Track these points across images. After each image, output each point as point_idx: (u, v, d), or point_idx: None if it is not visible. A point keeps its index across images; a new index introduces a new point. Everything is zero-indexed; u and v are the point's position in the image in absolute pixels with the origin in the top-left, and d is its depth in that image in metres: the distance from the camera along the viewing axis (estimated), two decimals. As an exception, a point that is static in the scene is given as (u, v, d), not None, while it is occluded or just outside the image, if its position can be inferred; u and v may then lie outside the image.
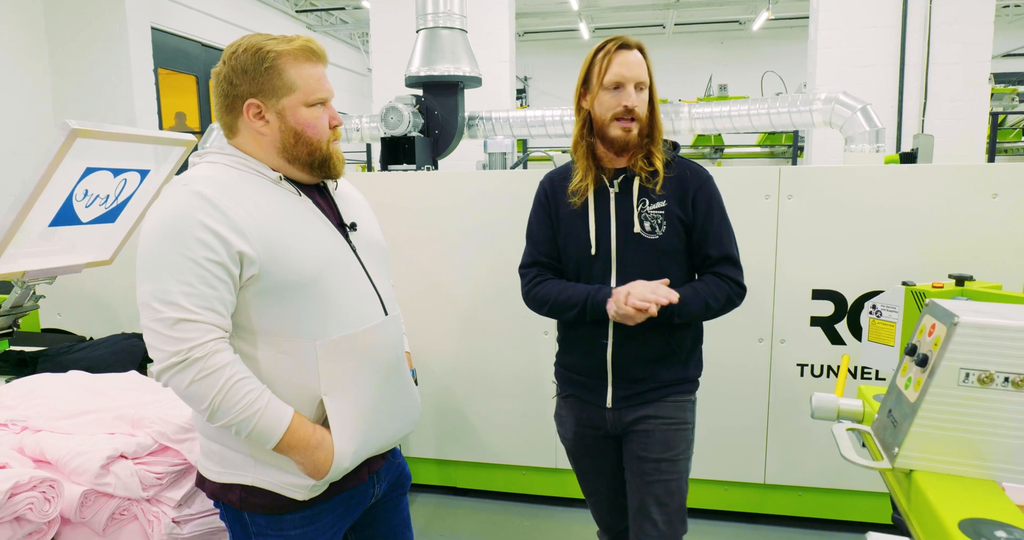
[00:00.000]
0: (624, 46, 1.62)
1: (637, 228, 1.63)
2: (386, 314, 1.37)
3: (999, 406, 0.68)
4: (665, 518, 1.68)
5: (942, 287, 1.79)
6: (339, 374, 1.25)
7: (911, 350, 0.76)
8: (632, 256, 1.63)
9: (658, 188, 1.62)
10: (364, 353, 1.29)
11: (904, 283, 1.85)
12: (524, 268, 1.80)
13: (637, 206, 1.63)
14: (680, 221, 1.63)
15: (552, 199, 1.74)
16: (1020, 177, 2.36)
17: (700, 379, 1.78)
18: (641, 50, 1.64)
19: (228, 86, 1.26)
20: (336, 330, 1.25)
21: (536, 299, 1.73)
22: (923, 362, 0.72)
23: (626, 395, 1.68)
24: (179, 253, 1.13)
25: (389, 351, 1.36)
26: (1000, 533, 0.57)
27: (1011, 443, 0.68)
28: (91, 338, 2.57)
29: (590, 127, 1.68)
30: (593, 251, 1.65)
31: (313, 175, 1.31)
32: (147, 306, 1.13)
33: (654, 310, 1.48)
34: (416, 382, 1.59)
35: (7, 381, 1.92)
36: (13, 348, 2.31)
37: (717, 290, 1.63)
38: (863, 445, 0.88)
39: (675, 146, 1.75)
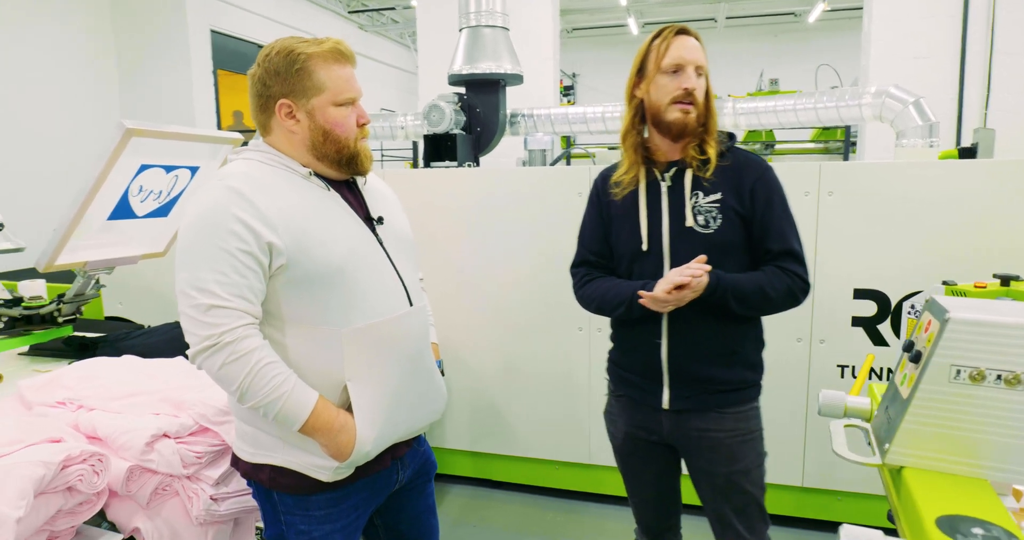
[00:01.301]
0: (682, 31, 1.59)
1: (690, 221, 1.56)
2: (411, 305, 1.42)
3: (991, 404, 0.67)
4: (747, 524, 1.64)
5: (985, 287, 1.73)
6: (363, 361, 1.30)
7: (908, 346, 0.75)
8: (685, 251, 1.55)
9: (708, 174, 1.57)
10: (388, 342, 1.34)
11: (944, 282, 1.80)
12: (574, 267, 1.77)
13: (690, 199, 1.57)
14: (736, 214, 1.57)
15: (603, 196, 1.71)
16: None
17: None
18: (697, 39, 1.61)
19: (262, 87, 1.33)
20: (361, 319, 1.30)
21: (585, 298, 1.71)
22: (916, 358, 0.72)
23: (684, 396, 1.60)
24: (213, 244, 1.20)
25: (413, 341, 1.41)
26: (977, 530, 0.57)
27: (1003, 442, 0.67)
28: (148, 326, 2.73)
29: (642, 117, 1.64)
30: (644, 247, 1.60)
31: (341, 171, 1.37)
32: (183, 293, 1.21)
33: (691, 284, 1.44)
34: (443, 373, 1.63)
35: (69, 363, 2.06)
36: (77, 333, 2.47)
37: (776, 280, 1.55)
38: (869, 443, 0.88)
39: (731, 137, 1.68)
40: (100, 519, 1.56)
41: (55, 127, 6.16)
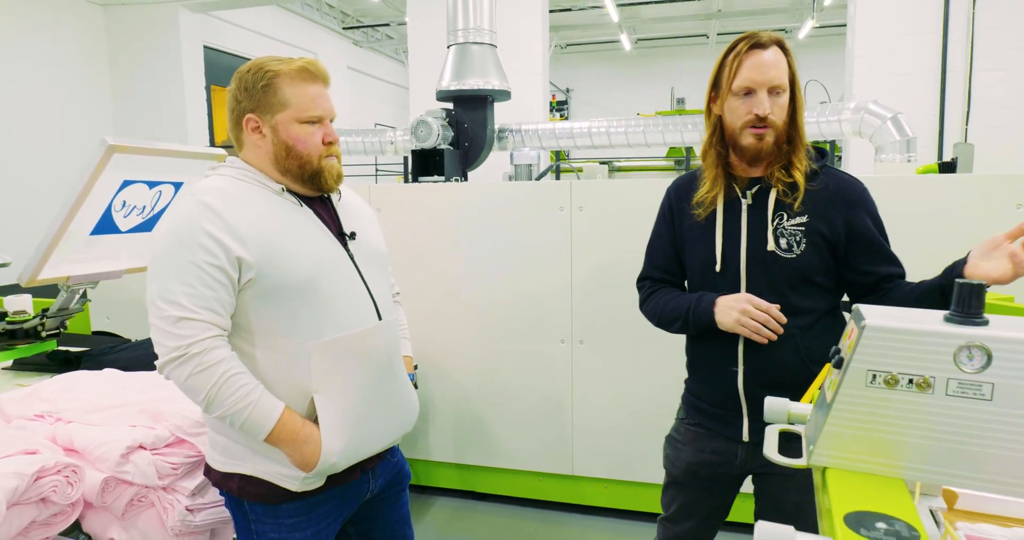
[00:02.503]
0: (757, 45, 1.43)
1: (771, 245, 1.45)
2: (380, 318, 1.44)
3: (904, 407, 0.70)
4: None
5: (949, 298, 1.76)
6: (330, 374, 1.33)
7: (834, 353, 0.78)
8: (763, 276, 1.46)
9: (797, 205, 1.45)
10: (356, 355, 1.37)
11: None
12: (638, 281, 1.72)
13: (772, 220, 1.46)
14: (824, 239, 1.45)
15: (677, 209, 1.61)
16: (1044, 187, 2.29)
17: None
18: (782, 46, 1.45)
19: (234, 103, 1.38)
20: (329, 332, 1.33)
21: (647, 312, 1.66)
22: (839, 364, 0.75)
23: (764, 427, 1.51)
24: (183, 257, 1.24)
25: (382, 354, 1.43)
26: (880, 525, 0.60)
27: (916, 443, 0.70)
28: (134, 340, 2.75)
29: (721, 134, 1.52)
30: (718, 268, 1.50)
31: (307, 187, 1.40)
32: (153, 304, 1.24)
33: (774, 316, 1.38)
34: (416, 386, 1.66)
35: (51, 377, 2.08)
36: (60, 348, 2.49)
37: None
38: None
39: (823, 154, 1.55)
40: (75, 530, 1.58)
41: (48, 143, 6.22)
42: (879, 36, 5.36)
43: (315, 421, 1.33)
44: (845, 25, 6.84)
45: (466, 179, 4.15)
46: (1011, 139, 5.09)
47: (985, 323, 0.72)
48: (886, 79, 5.31)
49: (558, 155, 7.62)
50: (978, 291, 0.73)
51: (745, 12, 11.34)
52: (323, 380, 1.32)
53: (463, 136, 4.17)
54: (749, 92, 1.44)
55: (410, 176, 4.92)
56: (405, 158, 6.99)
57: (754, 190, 1.50)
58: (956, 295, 0.73)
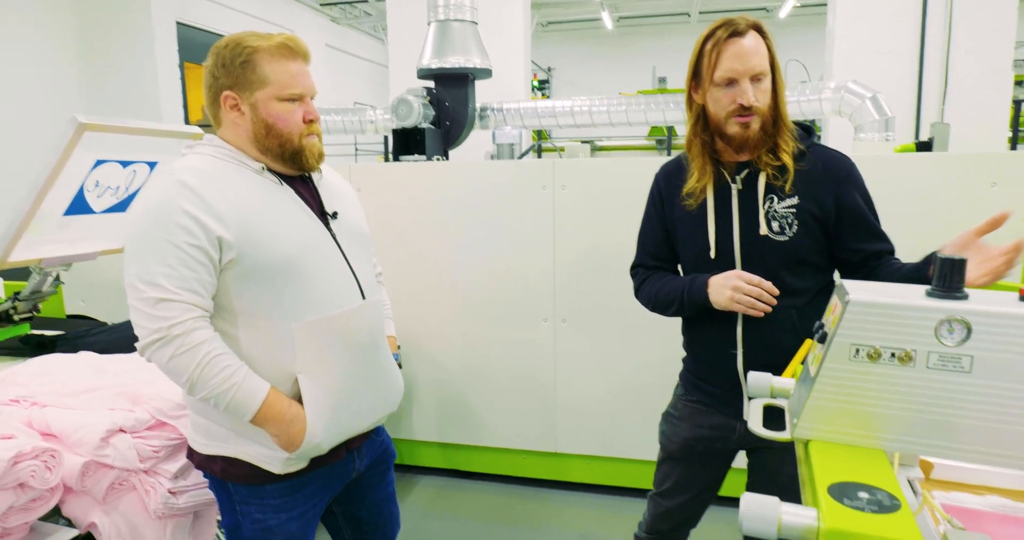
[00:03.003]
0: (736, 33, 1.42)
1: (764, 229, 1.45)
2: (364, 299, 1.43)
3: (886, 380, 0.72)
4: None
5: (928, 275, 1.79)
6: (313, 354, 1.32)
7: (817, 328, 0.79)
8: (758, 260, 1.47)
9: (787, 187, 1.45)
10: (339, 335, 1.36)
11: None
12: (632, 269, 1.73)
13: (764, 204, 1.46)
14: (815, 219, 1.45)
15: (667, 197, 1.60)
16: (1017, 166, 2.33)
17: None
18: (759, 30, 1.44)
19: (211, 79, 1.34)
20: (313, 312, 1.32)
21: (642, 299, 1.67)
22: (823, 338, 0.76)
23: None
24: (162, 237, 1.21)
25: (366, 334, 1.43)
26: (862, 494, 0.61)
27: (897, 415, 0.71)
28: (110, 323, 2.70)
29: (705, 122, 1.51)
30: (713, 254, 1.50)
31: (287, 166, 1.38)
32: (132, 286, 1.21)
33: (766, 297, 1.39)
34: (401, 366, 1.65)
35: (25, 361, 2.04)
36: (34, 332, 2.44)
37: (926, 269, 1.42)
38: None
39: (808, 131, 1.54)
40: (56, 515, 1.56)
41: (14, 121, 6.05)
42: (859, 16, 5.37)
43: (299, 401, 1.32)
44: (824, 4, 6.85)
45: (447, 158, 4.11)
46: (986, 119, 5.15)
47: (965, 297, 0.73)
48: (866, 59, 5.34)
49: (540, 134, 7.58)
50: (959, 266, 0.74)
51: (727, -10, 11.31)
52: (307, 361, 1.31)
53: (444, 115, 4.12)
54: (731, 82, 1.42)
55: (390, 155, 4.86)
56: (385, 137, 6.91)
57: (743, 175, 1.49)
58: (937, 270, 0.74)
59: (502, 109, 4.51)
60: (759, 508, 0.62)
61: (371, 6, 11.99)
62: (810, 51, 10.35)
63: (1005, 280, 1.29)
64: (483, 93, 4.31)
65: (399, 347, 1.79)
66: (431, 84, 4.15)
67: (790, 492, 1.60)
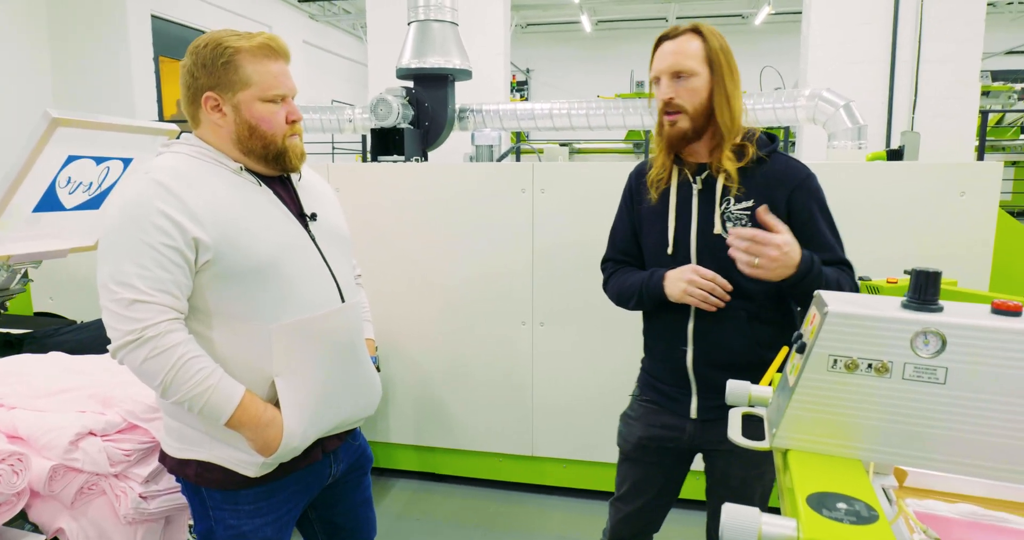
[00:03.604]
0: (665, 37, 1.52)
1: (718, 229, 1.50)
2: (343, 301, 1.42)
3: (863, 390, 0.73)
4: None
5: (896, 282, 1.83)
6: (291, 356, 1.30)
7: (796, 338, 0.81)
8: (712, 259, 1.51)
9: (734, 189, 1.49)
10: (318, 337, 1.35)
11: (860, 278, 1.89)
12: (602, 263, 1.77)
13: (720, 205, 1.51)
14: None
15: (636, 193, 1.66)
16: (985, 175, 2.39)
17: None
18: (700, 33, 1.51)
19: (191, 79, 1.32)
20: (290, 314, 1.30)
21: (609, 292, 1.71)
22: (802, 349, 0.77)
23: (712, 407, 1.56)
24: (136, 237, 1.19)
25: (344, 336, 1.41)
26: (841, 505, 0.62)
27: (874, 425, 0.73)
28: (80, 322, 2.64)
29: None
30: (670, 250, 1.56)
31: (270, 167, 1.36)
32: (105, 287, 1.19)
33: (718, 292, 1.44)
34: (379, 369, 1.64)
35: (-9, 361, 1.99)
36: (1, 330, 2.38)
37: (844, 279, 1.48)
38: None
39: (772, 139, 1.59)
40: (21, 520, 1.52)
41: (-17, 114, 5.89)
42: (834, 25, 5.47)
43: (276, 404, 1.30)
44: (799, 12, 6.98)
45: (426, 159, 4.09)
46: (955, 129, 5.28)
47: (940, 310, 0.74)
48: (839, 67, 5.44)
49: (519, 136, 7.59)
50: (934, 278, 0.75)
51: (704, -4, 11.42)
52: (284, 363, 1.29)
53: (423, 115, 4.10)
54: (658, 80, 1.53)
55: (369, 155, 4.82)
56: (363, 137, 6.86)
57: (703, 175, 1.54)
58: (913, 282, 0.76)
59: (482, 110, 4.50)
60: (739, 519, 0.63)
61: (350, 4, 11.90)
62: (785, 58, 10.52)
63: (969, 289, 1.32)
64: (462, 94, 4.30)
65: (377, 349, 1.78)
66: (410, 84, 4.13)
67: (740, 495, 1.63)
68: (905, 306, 0.76)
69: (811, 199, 1.52)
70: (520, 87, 13.90)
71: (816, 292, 0.81)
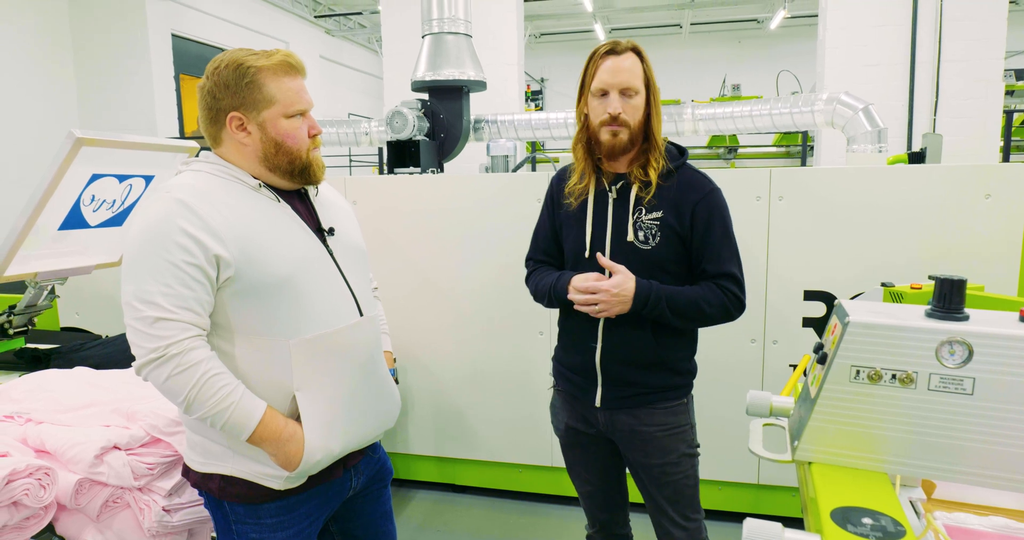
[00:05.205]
0: (612, 52, 1.60)
1: (631, 236, 1.61)
2: (361, 315, 1.43)
3: (887, 402, 0.72)
4: (680, 513, 1.74)
5: (920, 288, 1.79)
6: (312, 371, 1.31)
7: (817, 348, 0.79)
8: (624, 264, 1.60)
9: (647, 199, 1.61)
10: (337, 352, 1.35)
11: (883, 284, 1.86)
12: (525, 261, 1.87)
13: (632, 214, 1.62)
14: (675, 233, 1.61)
15: (556, 197, 1.77)
16: (1011, 178, 2.35)
17: (695, 380, 1.76)
18: (639, 53, 1.60)
19: (211, 100, 1.34)
20: (310, 329, 1.31)
21: (529, 288, 1.81)
22: (823, 359, 0.76)
23: (615, 397, 1.69)
24: (159, 256, 1.21)
25: (363, 350, 1.42)
26: (866, 520, 0.61)
27: (899, 437, 0.71)
28: (106, 336, 2.69)
29: (587, 129, 1.67)
30: (587, 254, 1.66)
31: (294, 182, 1.38)
32: (129, 305, 1.21)
33: (597, 296, 1.55)
34: (397, 381, 1.65)
35: (20, 376, 2.02)
36: (29, 345, 2.42)
37: (712, 295, 1.60)
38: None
39: (683, 153, 1.71)
40: (49, 533, 1.54)
41: (10, 135, 6.03)
42: (850, 27, 5.42)
43: (297, 419, 1.31)
44: (814, 15, 6.94)
45: (442, 170, 4.11)
46: (978, 130, 5.20)
47: (966, 318, 0.73)
48: (857, 70, 5.38)
49: (534, 146, 7.61)
50: (959, 286, 0.74)
51: (717, 2, 11.37)
52: (305, 378, 1.30)
53: (439, 127, 4.13)
54: (604, 93, 1.59)
55: (385, 168, 4.86)
56: (380, 149, 6.91)
57: (619, 185, 1.65)
58: (937, 291, 0.75)
59: (496, 121, 4.52)
60: (762, 534, 0.62)
61: (366, 18, 12.04)
62: (800, 61, 10.45)
63: (996, 294, 1.30)
64: (477, 105, 4.32)
65: (395, 361, 1.79)
66: (425, 96, 4.15)
67: (661, 484, 1.69)
68: (929, 315, 0.74)
69: (710, 213, 1.62)
70: (535, 96, 13.93)
71: (836, 302, 0.79)
